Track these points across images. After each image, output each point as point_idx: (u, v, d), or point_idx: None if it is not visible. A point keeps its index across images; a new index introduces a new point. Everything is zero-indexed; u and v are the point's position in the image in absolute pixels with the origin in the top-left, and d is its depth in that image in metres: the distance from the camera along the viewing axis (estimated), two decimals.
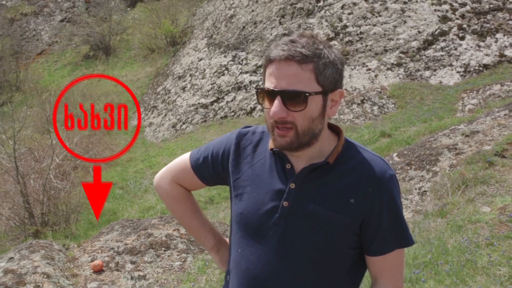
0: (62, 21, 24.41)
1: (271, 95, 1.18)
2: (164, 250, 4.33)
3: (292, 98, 1.17)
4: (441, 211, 4.63)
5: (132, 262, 4.12)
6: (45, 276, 3.65)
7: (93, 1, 23.84)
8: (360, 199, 1.23)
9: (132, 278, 3.89)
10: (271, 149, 1.29)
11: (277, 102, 1.17)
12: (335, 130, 1.33)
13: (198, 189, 1.54)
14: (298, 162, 1.27)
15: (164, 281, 3.86)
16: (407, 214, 5.22)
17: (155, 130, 15.34)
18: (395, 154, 6.69)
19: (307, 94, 1.16)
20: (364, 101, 11.39)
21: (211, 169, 1.42)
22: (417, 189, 5.64)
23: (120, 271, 4.00)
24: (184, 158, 1.49)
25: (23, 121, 9.93)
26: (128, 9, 24.28)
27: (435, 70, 11.37)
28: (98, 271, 3.99)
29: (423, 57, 11.69)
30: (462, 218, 4.24)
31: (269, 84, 1.19)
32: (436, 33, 11.88)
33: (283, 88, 1.17)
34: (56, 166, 8.68)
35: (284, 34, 14.00)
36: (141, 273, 3.97)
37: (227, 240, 1.52)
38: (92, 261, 4.15)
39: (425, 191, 5.51)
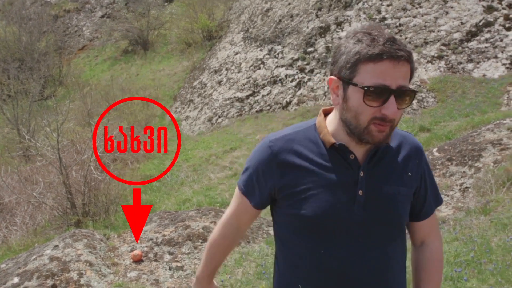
0: (102, 16, 25.05)
1: (384, 93, 1.18)
2: (201, 242, 4.38)
3: (406, 96, 1.21)
4: (484, 209, 4.48)
5: (170, 253, 4.20)
6: (87, 264, 3.78)
7: None
8: (413, 171, 1.36)
9: (170, 268, 3.96)
10: (333, 144, 1.29)
11: (393, 100, 1.19)
12: None
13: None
14: (358, 151, 1.31)
15: None
16: (447, 211, 5.08)
17: (191, 123, 15.53)
18: (435, 149, 6.51)
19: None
20: None
21: (262, 189, 1.37)
22: (458, 185, 5.47)
23: (159, 261, 4.08)
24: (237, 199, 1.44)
25: (65, 115, 10.26)
26: (166, 4, 24.63)
27: (478, 62, 10.95)
28: (138, 261, 4.09)
29: (466, 49, 11.28)
30: (507, 216, 4.08)
31: (380, 81, 1.18)
32: (481, 24, 11.43)
33: (402, 87, 1.19)
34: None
35: (321, 27, 13.83)
36: (179, 264, 4.03)
37: None
38: (131, 251, 4.25)
39: (467, 187, 5.33)
